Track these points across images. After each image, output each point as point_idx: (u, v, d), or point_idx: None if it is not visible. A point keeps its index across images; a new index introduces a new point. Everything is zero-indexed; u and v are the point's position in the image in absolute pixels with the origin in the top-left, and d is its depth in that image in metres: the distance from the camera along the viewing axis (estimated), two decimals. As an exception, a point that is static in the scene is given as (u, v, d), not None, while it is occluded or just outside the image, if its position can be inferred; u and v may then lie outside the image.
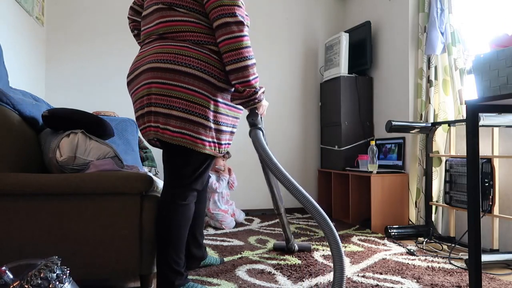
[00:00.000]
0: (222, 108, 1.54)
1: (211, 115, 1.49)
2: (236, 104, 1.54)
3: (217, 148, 1.55)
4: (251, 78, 1.47)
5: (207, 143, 1.50)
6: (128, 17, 1.83)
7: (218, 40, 1.45)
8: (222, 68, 1.50)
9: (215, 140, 1.53)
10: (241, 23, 1.44)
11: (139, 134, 2.85)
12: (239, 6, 1.44)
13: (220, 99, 1.52)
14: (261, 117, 1.61)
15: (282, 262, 2.09)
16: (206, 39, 1.49)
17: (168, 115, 1.45)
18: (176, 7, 1.49)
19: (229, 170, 3.24)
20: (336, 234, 1.33)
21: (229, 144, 1.62)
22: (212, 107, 1.49)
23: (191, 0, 1.49)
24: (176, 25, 1.49)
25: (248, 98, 1.48)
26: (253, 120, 1.55)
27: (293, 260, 2.14)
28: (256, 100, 1.50)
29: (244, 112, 1.62)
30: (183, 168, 1.53)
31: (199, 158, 1.53)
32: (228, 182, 3.22)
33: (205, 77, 1.46)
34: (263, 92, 1.53)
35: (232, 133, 1.63)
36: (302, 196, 1.38)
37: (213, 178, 3.10)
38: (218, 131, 1.54)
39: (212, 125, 1.50)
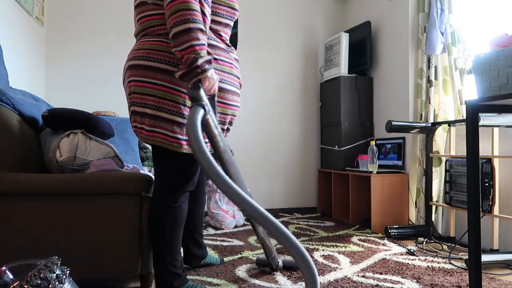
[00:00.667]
0: (172, 95, 1.42)
1: (187, 111, 1.41)
2: (179, 77, 1.31)
3: (176, 143, 1.44)
4: (189, 44, 1.26)
5: (184, 142, 1.43)
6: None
7: (164, 7, 1.34)
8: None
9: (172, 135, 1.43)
10: None
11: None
12: None
13: (174, 86, 1.42)
14: (213, 97, 1.42)
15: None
16: None
17: (143, 114, 1.41)
18: (147, 1, 1.44)
19: None
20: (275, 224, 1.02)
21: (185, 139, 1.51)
22: (188, 103, 1.42)
23: None
24: (150, 20, 1.45)
25: (187, 68, 1.27)
26: (192, 94, 1.26)
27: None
28: (199, 70, 1.27)
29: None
30: (168, 169, 1.48)
31: (182, 158, 1.46)
32: None
33: (164, 67, 1.39)
34: (208, 62, 1.30)
35: (222, 130, 1.56)
36: (237, 195, 1.04)
37: None
38: (177, 124, 1.43)
39: (178, 118, 1.42)
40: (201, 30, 1.30)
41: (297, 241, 1.00)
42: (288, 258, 2.00)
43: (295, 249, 0.99)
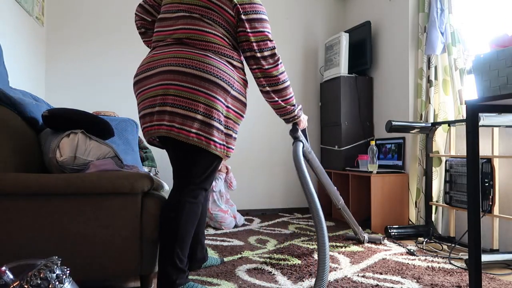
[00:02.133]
0: (232, 115, 1.62)
1: (222, 119, 1.57)
2: (281, 118, 1.81)
3: (225, 151, 1.61)
4: (288, 97, 1.72)
5: (218, 145, 1.56)
6: (136, 14, 1.85)
7: (265, 67, 1.64)
8: (238, 79, 1.61)
9: (225, 144, 1.60)
10: (276, 54, 1.65)
11: (139, 134, 2.85)
12: (271, 41, 1.64)
13: (232, 106, 1.61)
14: (305, 130, 1.98)
15: (282, 262, 2.09)
16: (226, 52, 1.59)
17: (186, 116, 1.50)
18: (205, 18, 1.57)
19: (226, 168, 3.23)
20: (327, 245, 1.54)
21: (233, 149, 1.68)
22: (224, 112, 1.58)
23: (220, 16, 1.58)
24: (201, 34, 1.56)
25: (290, 114, 1.77)
26: (294, 134, 1.87)
27: (293, 260, 2.14)
28: (297, 117, 1.80)
29: (246, 118, 1.68)
30: (194, 168, 1.58)
31: (210, 159, 1.59)
32: (225, 181, 3.21)
33: (222, 85, 1.54)
34: (300, 109, 1.80)
35: (235, 138, 1.69)
36: (316, 210, 1.58)
37: None
38: (228, 136, 1.61)
39: (224, 129, 1.59)
40: (289, 85, 1.74)
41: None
42: (373, 235, 2.62)
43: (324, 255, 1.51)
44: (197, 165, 1.58)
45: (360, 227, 2.52)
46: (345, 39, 3.46)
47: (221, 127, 1.57)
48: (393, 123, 2.65)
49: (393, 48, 3.28)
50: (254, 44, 1.60)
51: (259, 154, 3.79)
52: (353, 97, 3.48)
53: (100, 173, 1.58)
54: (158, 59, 1.55)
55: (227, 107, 1.58)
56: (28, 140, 1.71)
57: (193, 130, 1.51)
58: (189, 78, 1.50)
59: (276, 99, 1.70)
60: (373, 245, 2.48)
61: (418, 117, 2.95)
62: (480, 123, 1.80)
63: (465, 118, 1.92)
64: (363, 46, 3.47)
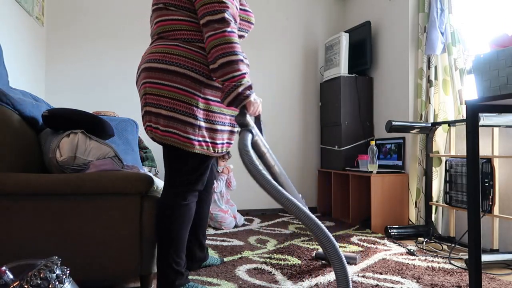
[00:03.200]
0: (215, 107, 1.52)
1: (200, 113, 1.47)
2: (224, 103, 1.43)
3: (210, 148, 1.52)
4: (233, 74, 1.37)
5: (196, 143, 1.47)
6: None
7: (204, 39, 1.43)
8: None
9: (207, 140, 1.50)
10: (221, 20, 1.39)
11: (139, 134, 2.85)
12: (219, 3, 1.40)
13: (211, 97, 1.50)
14: (259, 117, 1.55)
15: (282, 262, 2.09)
16: (196, 36, 1.49)
17: (158, 114, 1.47)
18: (169, 6, 1.50)
19: (227, 169, 3.23)
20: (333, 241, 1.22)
21: (229, 143, 1.61)
22: (201, 105, 1.48)
23: None
24: (169, 24, 1.50)
25: (230, 95, 1.37)
26: (240, 121, 1.41)
27: (293, 260, 2.14)
28: (241, 97, 1.37)
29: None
30: (179, 168, 1.53)
31: (194, 158, 1.51)
32: (225, 181, 3.21)
33: (192, 75, 1.45)
34: (248, 88, 1.39)
35: (232, 132, 1.62)
36: (293, 206, 1.23)
37: None
38: (212, 130, 1.52)
39: (203, 124, 1.49)
40: (242, 61, 1.40)
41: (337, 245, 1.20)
42: (348, 253, 2.13)
43: (335, 252, 1.19)
44: (182, 165, 1.52)
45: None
46: (345, 39, 3.46)
47: (198, 122, 1.47)
48: (393, 123, 2.65)
49: (393, 48, 3.28)
50: (201, 8, 1.42)
51: (259, 154, 3.79)
52: (353, 97, 3.48)
53: (100, 173, 1.58)
54: (142, 58, 1.56)
55: (205, 99, 1.48)
56: (28, 140, 1.71)
57: (161, 128, 1.46)
58: (157, 73, 1.45)
59: (219, 72, 1.39)
60: (372, 245, 2.48)
61: (418, 117, 2.95)
62: (480, 123, 1.80)
63: (465, 118, 1.92)
64: (363, 46, 3.47)
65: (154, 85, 1.46)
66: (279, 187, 1.24)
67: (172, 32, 1.49)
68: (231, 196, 3.33)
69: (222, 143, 1.57)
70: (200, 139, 1.49)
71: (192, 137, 1.47)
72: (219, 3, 1.40)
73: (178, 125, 1.45)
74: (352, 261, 2.07)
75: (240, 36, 1.64)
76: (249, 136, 1.37)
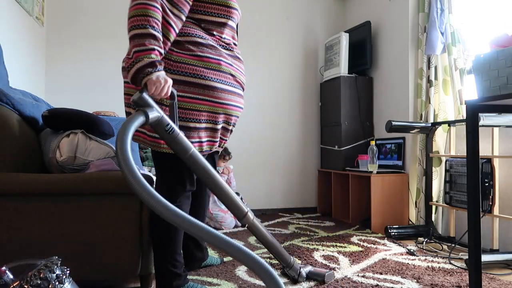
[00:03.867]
0: (186, 103, 1.43)
1: (167, 111, 1.40)
2: (128, 80, 1.31)
3: None
4: (137, 49, 1.26)
5: (162, 141, 1.43)
6: None
7: None
8: (177, 59, 1.41)
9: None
10: None
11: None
12: None
13: (180, 93, 1.41)
14: (173, 101, 1.34)
15: (282, 262, 2.09)
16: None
17: (128, 114, 1.53)
18: None
19: (228, 170, 3.23)
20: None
21: (210, 141, 1.52)
22: (165, 101, 1.41)
23: None
24: None
25: (130, 71, 1.27)
26: (134, 99, 1.21)
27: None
28: (141, 75, 1.24)
29: (246, 110, 1.60)
30: (162, 170, 1.54)
31: (167, 158, 1.47)
32: (225, 182, 3.21)
33: None
34: (150, 65, 1.25)
35: (213, 129, 1.52)
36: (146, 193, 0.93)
37: None
38: (184, 128, 1.43)
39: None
40: (151, 35, 1.26)
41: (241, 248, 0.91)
42: (318, 270, 1.83)
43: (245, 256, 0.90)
44: (163, 166, 1.51)
45: (290, 257, 1.75)
46: (345, 39, 3.46)
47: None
48: (393, 123, 2.65)
49: (393, 48, 3.28)
50: None
51: (259, 154, 3.79)
52: (353, 97, 3.48)
53: (100, 173, 1.58)
54: None
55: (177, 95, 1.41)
56: (28, 140, 1.71)
57: (139, 129, 1.47)
58: (124, 72, 1.50)
59: (129, 49, 1.31)
60: (373, 245, 2.48)
61: (418, 117, 2.95)
62: (480, 123, 1.80)
63: (465, 118, 1.92)
64: (363, 46, 3.47)
65: (125, 84, 1.51)
66: (141, 178, 0.94)
67: None
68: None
69: (199, 142, 1.48)
70: None
71: (157, 135, 1.41)
72: None
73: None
74: (319, 278, 1.77)
75: (221, 24, 1.53)
76: (140, 119, 1.14)
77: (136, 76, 1.26)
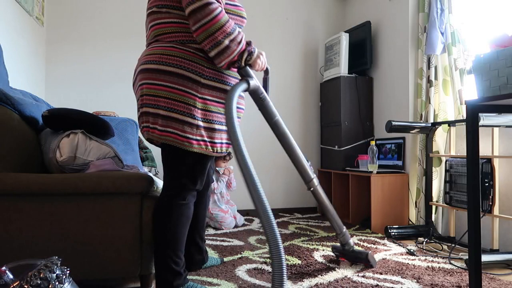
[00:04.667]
0: (213, 106, 1.52)
1: (198, 113, 1.48)
2: (235, 67, 1.53)
3: (209, 147, 1.52)
4: (231, 57, 1.46)
5: (194, 142, 1.49)
6: None
7: (192, 31, 1.45)
8: (209, 65, 1.50)
9: (205, 139, 1.51)
10: (203, 6, 1.39)
11: (139, 134, 2.85)
12: None
13: (209, 97, 1.51)
14: (267, 74, 1.72)
15: (282, 262, 2.09)
16: (190, 38, 1.50)
17: (156, 115, 1.48)
18: (162, 8, 1.52)
19: (228, 170, 3.24)
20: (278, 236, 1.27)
21: (228, 143, 1.60)
22: (199, 105, 1.49)
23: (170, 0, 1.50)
24: (163, 27, 1.52)
25: (231, 55, 1.46)
26: (243, 71, 1.55)
27: (293, 260, 2.14)
28: (246, 55, 1.51)
29: (246, 110, 1.63)
30: (178, 167, 1.53)
31: (193, 157, 1.52)
32: (226, 182, 3.21)
33: (188, 75, 1.47)
34: (249, 54, 1.50)
35: (223, 131, 1.61)
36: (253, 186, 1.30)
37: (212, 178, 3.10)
38: (210, 130, 1.52)
39: (201, 124, 1.49)
40: (231, 40, 1.44)
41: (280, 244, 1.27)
42: (360, 249, 2.11)
43: (277, 251, 1.25)
44: (181, 165, 1.52)
45: (344, 227, 1.99)
46: (345, 39, 3.46)
47: (196, 122, 1.48)
48: (393, 123, 2.65)
49: (393, 48, 3.28)
50: (183, 1, 1.44)
51: (259, 154, 3.79)
52: (353, 97, 3.48)
53: (100, 173, 1.58)
54: (138, 61, 1.58)
55: (203, 98, 1.49)
56: (28, 140, 1.71)
57: (159, 128, 1.47)
58: (153, 74, 1.47)
59: (218, 62, 1.47)
60: (373, 245, 2.48)
61: (418, 117, 2.95)
62: (480, 123, 1.80)
63: (465, 118, 1.92)
64: (363, 46, 3.47)
65: (152, 86, 1.47)
66: (248, 160, 1.30)
67: (167, 35, 1.51)
68: (232, 197, 3.33)
69: (221, 143, 1.57)
70: (199, 138, 1.49)
71: (190, 136, 1.48)
72: None
73: (176, 125, 1.46)
74: (363, 256, 1.97)
75: None
76: (243, 85, 1.51)
77: (238, 58, 1.49)
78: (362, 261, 2.00)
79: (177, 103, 1.46)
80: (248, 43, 1.51)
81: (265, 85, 1.69)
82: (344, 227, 1.99)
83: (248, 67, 1.55)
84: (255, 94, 1.63)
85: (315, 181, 1.87)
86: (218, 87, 1.53)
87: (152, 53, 1.50)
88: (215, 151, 1.55)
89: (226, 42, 1.43)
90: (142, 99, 1.50)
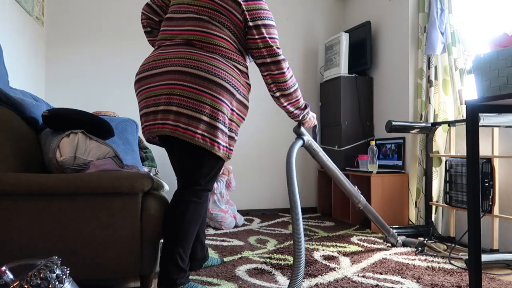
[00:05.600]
0: (236, 118, 1.64)
1: (227, 122, 1.59)
2: (295, 120, 1.92)
3: (227, 153, 1.62)
4: (294, 100, 1.80)
5: (222, 147, 1.58)
6: (143, 12, 1.85)
7: (274, 73, 1.68)
8: (243, 83, 1.63)
9: (227, 145, 1.61)
10: (280, 62, 1.67)
11: (139, 134, 2.85)
12: (278, 48, 1.70)
13: (236, 110, 1.63)
14: (315, 128, 2.15)
15: (282, 262, 2.09)
16: (233, 56, 1.61)
17: (192, 117, 1.51)
18: (213, 21, 1.58)
19: (227, 170, 3.24)
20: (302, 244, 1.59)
21: (233, 150, 1.70)
22: (229, 115, 1.60)
23: (228, 20, 1.59)
24: (209, 37, 1.57)
25: (297, 118, 1.89)
26: (296, 131, 1.98)
27: (293, 260, 2.14)
28: (302, 118, 1.91)
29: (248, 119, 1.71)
30: (199, 169, 1.59)
31: (214, 160, 1.60)
32: (225, 183, 3.21)
33: (229, 88, 1.56)
34: (307, 110, 1.89)
35: (236, 140, 1.71)
36: (295, 213, 1.67)
37: None
38: (231, 138, 1.64)
39: (227, 132, 1.60)
40: (296, 90, 1.79)
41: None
42: (409, 239, 2.45)
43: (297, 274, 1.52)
44: (203, 166, 1.59)
45: (390, 229, 2.39)
46: (345, 39, 3.46)
47: (225, 129, 1.58)
48: (393, 123, 2.65)
49: (393, 48, 3.28)
50: (264, 50, 1.64)
51: (259, 155, 3.79)
52: (353, 97, 3.48)
53: (100, 173, 1.58)
54: (165, 59, 1.55)
55: (232, 110, 1.61)
56: (28, 140, 1.71)
57: (199, 131, 1.52)
58: (196, 79, 1.51)
59: (285, 104, 1.79)
60: (373, 245, 2.48)
61: (418, 117, 2.95)
62: (480, 123, 1.80)
63: (465, 118, 1.92)
64: (363, 46, 3.47)
65: (191, 89, 1.51)
66: (296, 190, 1.71)
67: (209, 45, 1.57)
68: (231, 196, 3.33)
69: (232, 150, 1.67)
70: (225, 145, 1.60)
71: (221, 142, 1.57)
72: (278, 48, 1.69)
73: (213, 131, 1.54)
74: (412, 246, 2.39)
75: None
76: (300, 143, 1.93)
77: (300, 119, 1.91)
78: (412, 247, 2.40)
79: (217, 112, 1.54)
80: (306, 105, 1.88)
81: (314, 135, 2.15)
82: (391, 229, 2.42)
83: (301, 126, 1.97)
84: (309, 148, 2.05)
85: (363, 201, 2.29)
86: (243, 102, 1.67)
87: (194, 58, 1.52)
88: (229, 157, 1.65)
89: (294, 88, 1.77)
90: (169, 97, 1.52)
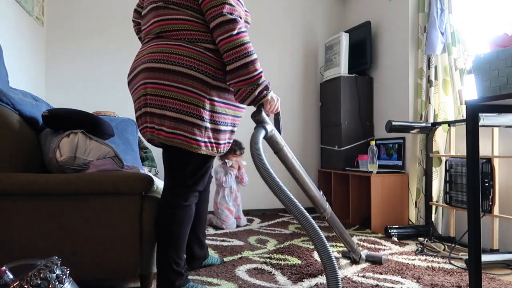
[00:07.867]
0: (219, 107, 1.51)
1: (207, 114, 1.47)
2: (243, 104, 1.52)
3: (214, 148, 1.53)
4: (251, 75, 1.43)
5: (202, 144, 1.48)
6: (133, 20, 1.83)
7: (216, 42, 1.44)
8: (218, 66, 1.48)
9: (212, 140, 1.51)
10: (232, 21, 1.41)
11: (139, 134, 2.85)
12: (228, 4, 1.42)
13: (216, 98, 1.49)
14: (278, 115, 1.66)
15: (282, 262, 2.09)
16: (201, 36, 1.47)
17: (162, 116, 1.44)
18: (170, 5, 1.48)
19: (238, 164, 3.19)
20: (323, 238, 1.28)
21: (229, 143, 1.61)
22: (207, 106, 1.47)
23: None
24: (171, 24, 1.48)
25: (249, 97, 1.46)
26: (255, 117, 1.51)
27: (293, 260, 2.14)
28: (260, 97, 1.47)
29: (247, 110, 1.63)
30: (182, 169, 1.52)
31: (198, 159, 1.52)
32: (237, 177, 3.18)
33: (199, 76, 1.44)
34: (266, 88, 1.47)
35: (232, 132, 1.62)
36: (291, 204, 1.38)
37: (221, 172, 3.09)
38: (216, 131, 1.51)
39: (209, 125, 1.48)
40: (256, 59, 1.44)
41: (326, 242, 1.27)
42: (373, 253, 2.16)
43: (323, 248, 1.25)
44: (186, 166, 1.51)
45: (354, 246, 2.09)
46: (345, 39, 3.46)
47: (204, 124, 1.46)
48: (393, 123, 2.65)
49: (393, 48, 3.28)
50: (210, 11, 1.41)
51: (259, 154, 3.79)
52: (353, 97, 3.47)
53: (100, 173, 1.58)
54: (140, 57, 1.53)
55: (211, 100, 1.47)
56: (28, 140, 1.71)
57: (166, 129, 1.44)
58: (161, 74, 1.43)
59: (234, 77, 1.45)
60: (373, 245, 2.48)
61: (418, 117, 2.95)
62: (480, 123, 1.80)
63: (465, 118, 1.92)
64: (363, 46, 3.47)
65: (158, 85, 1.43)
66: (281, 184, 1.40)
67: (174, 32, 1.47)
68: (241, 192, 3.28)
69: (224, 143, 1.57)
70: (206, 140, 1.48)
71: (199, 138, 1.46)
72: (229, 5, 1.42)
73: (185, 127, 1.44)
74: (377, 259, 2.09)
75: None
76: (262, 132, 1.47)
77: (254, 99, 1.47)
78: (376, 262, 2.11)
79: (186, 105, 1.43)
80: (268, 84, 1.50)
81: (278, 125, 1.69)
82: (355, 244, 2.10)
83: (262, 111, 1.52)
84: (271, 140, 1.60)
85: (328, 211, 1.98)
86: (225, 88, 1.51)
87: (158, 51, 1.45)
88: (219, 151, 1.55)
89: (247, 59, 1.42)
90: (145, 99, 1.47)
